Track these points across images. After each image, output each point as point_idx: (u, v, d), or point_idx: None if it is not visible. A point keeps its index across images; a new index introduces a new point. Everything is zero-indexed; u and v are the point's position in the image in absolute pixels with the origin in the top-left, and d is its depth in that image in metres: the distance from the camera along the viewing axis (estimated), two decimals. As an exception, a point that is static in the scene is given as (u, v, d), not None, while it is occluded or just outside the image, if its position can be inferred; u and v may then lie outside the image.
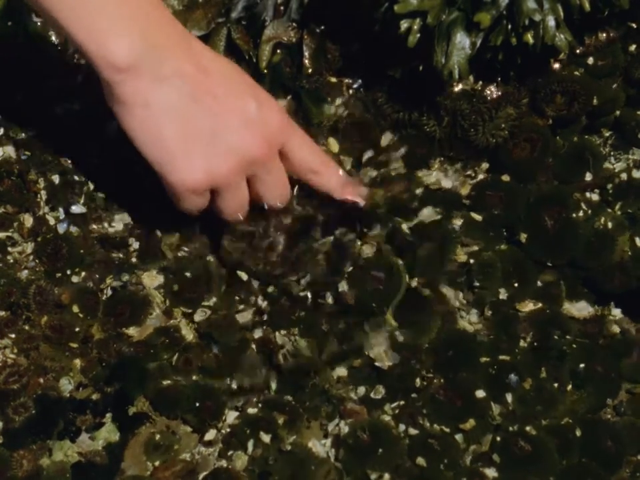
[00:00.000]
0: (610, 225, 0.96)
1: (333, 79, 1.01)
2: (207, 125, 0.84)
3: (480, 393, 0.92)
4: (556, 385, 0.93)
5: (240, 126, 0.85)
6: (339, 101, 1.00)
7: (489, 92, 0.97)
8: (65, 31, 0.81)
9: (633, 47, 0.99)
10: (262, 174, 0.89)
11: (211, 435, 0.91)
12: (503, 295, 0.96)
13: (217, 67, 0.86)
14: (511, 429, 0.91)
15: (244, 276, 0.95)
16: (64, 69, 1.01)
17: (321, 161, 0.93)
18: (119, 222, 0.98)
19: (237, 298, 0.95)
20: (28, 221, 0.97)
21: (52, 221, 0.97)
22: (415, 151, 0.99)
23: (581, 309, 0.96)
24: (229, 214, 0.91)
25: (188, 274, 0.95)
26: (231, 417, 0.92)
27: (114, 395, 0.92)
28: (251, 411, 0.92)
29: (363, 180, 0.97)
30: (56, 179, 0.98)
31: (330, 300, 0.95)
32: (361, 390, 0.92)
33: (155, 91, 0.82)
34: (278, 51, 0.99)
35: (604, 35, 0.98)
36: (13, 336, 0.93)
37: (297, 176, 0.92)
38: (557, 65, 0.98)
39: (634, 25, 0.98)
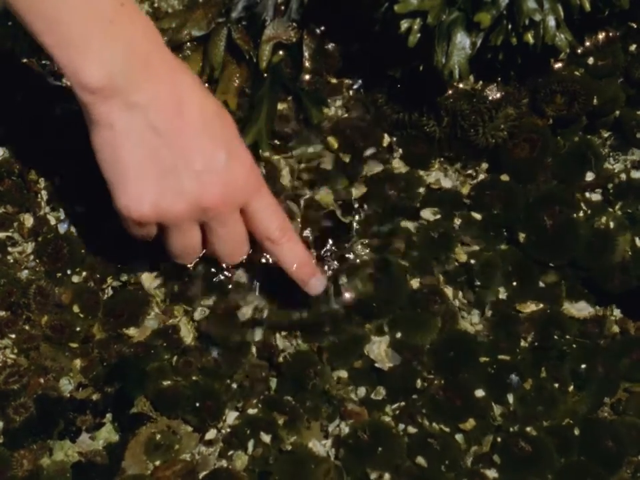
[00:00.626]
0: (610, 224, 0.96)
1: (333, 80, 1.01)
2: (168, 160, 0.82)
3: (480, 393, 0.92)
4: (556, 385, 0.93)
5: (201, 171, 0.83)
6: (339, 101, 1.00)
7: (489, 92, 0.97)
8: (38, 39, 0.80)
9: (633, 47, 0.99)
10: (215, 225, 0.86)
11: (211, 434, 0.91)
12: (503, 295, 0.96)
13: (198, 106, 0.84)
14: (511, 429, 0.91)
15: (242, 277, 0.95)
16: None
17: (282, 230, 0.88)
18: (119, 221, 0.97)
19: (236, 295, 0.95)
20: (28, 220, 0.97)
21: (52, 221, 0.97)
22: (415, 151, 1.00)
23: (581, 309, 0.96)
24: (174, 255, 0.90)
25: (187, 274, 0.95)
26: (231, 417, 0.92)
27: (114, 395, 0.92)
28: (251, 411, 0.92)
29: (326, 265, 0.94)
30: (56, 179, 0.98)
31: (332, 299, 0.95)
32: (362, 391, 0.92)
33: (122, 116, 0.81)
34: (278, 51, 0.99)
35: (604, 34, 0.98)
36: (13, 336, 0.93)
37: (254, 238, 0.89)
38: (557, 65, 0.98)
39: (634, 25, 0.98)
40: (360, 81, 1.00)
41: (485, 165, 1.00)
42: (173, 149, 0.82)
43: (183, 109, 0.83)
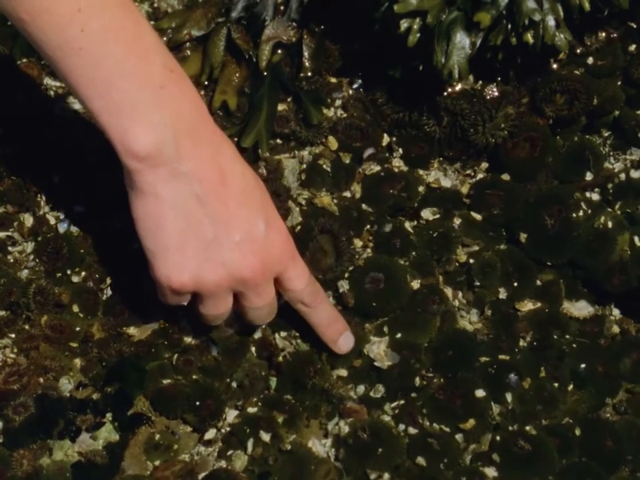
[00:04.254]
0: (610, 224, 0.96)
1: (333, 79, 1.01)
2: (209, 231, 0.82)
3: (480, 393, 0.92)
4: (556, 384, 0.93)
5: (241, 242, 0.83)
6: (338, 101, 1.00)
7: (488, 91, 0.97)
8: (86, 104, 0.80)
9: (632, 47, 0.99)
10: (250, 295, 0.86)
11: (210, 434, 0.91)
12: (502, 294, 0.96)
13: (238, 178, 0.84)
14: (510, 428, 0.91)
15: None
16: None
17: (314, 296, 0.90)
18: (118, 221, 0.97)
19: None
20: (28, 220, 0.97)
21: (52, 221, 0.97)
22: (414, 151, 1.00)
23: (580, 308, 0.96)
24: (206, 319, 0.89)
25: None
26: (231, 416, 0.92)
27: (114, 395, 0.92)
28: (251, 410, 0.92)
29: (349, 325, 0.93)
30: (56, 178, 0.98)
31: (330, 300, 0.95)
32: (360, 389, 0.92)
33: (167, 185, 0.81)
34: (278, 50, 0.99)
35: (604, 34, 0.98)
36: (13, 335, 0.93)
37: (287, 300, 0.90)
38: (556, 65, 0.98)
39: (634, 25, 0.99)
40: (360, 81, 1.00)
41: (484, 165, 1.00)
42: (215, 219, 0.83)
43: (225, 178, 0.83)
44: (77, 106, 1.00)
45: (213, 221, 0.83)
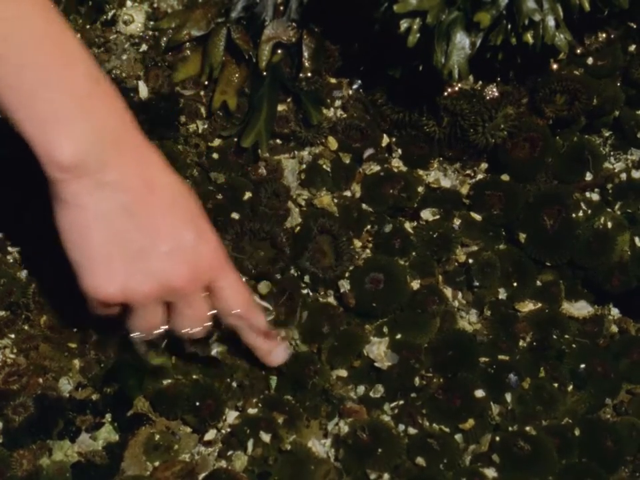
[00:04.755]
0: (609, 224, 0.96)
1: (333, 79, 1.01)
2: (136, 241, 0.81)
3: (479, 393, 0.92)
4: (555, 385, 0.93)
5: (169, 252, 0.82)
6: (338, 101, 1.00)
7: (488, 92, 0.97)
8: (9, 115, 0.78)
9: (632, 47, 0.99)
10: (181, 306, 0.85)
11: (210, 434, 0.91)
12: (502, 294, 0.96)
13: (165, 188, 0.83)
14: (510, 428, 0.91)
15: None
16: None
17: (247, 307, 0.88)
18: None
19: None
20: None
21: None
22: (414, 151, 1.00)
23: (580, 308, 0.97)
24: (137, 331, 0.88)
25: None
26: (231, 416, 0.92)
27: (113, 395, 0.92)
28: (251, 410, 0.92)
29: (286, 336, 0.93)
30: (56, 178, 0.98)
31: (331, 299, 0.95)
32: (360, 389, 0.93)
33: (92, 195, 0.80)
34: (278, 50, 0.99)
35: (604, 35, 0.98)
36: (13, 336, 0.93)
37: (219, 314, 0.88)
38: (556, 65, 0.98)
39: (634, 25, 0.98)
40: (359, 81, 1.00)
41: (484, 165, 1.00)
42: (142, 229, 0.82)
43: (152, 188, 0.82)
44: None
45: (139, 231, 0.81)
